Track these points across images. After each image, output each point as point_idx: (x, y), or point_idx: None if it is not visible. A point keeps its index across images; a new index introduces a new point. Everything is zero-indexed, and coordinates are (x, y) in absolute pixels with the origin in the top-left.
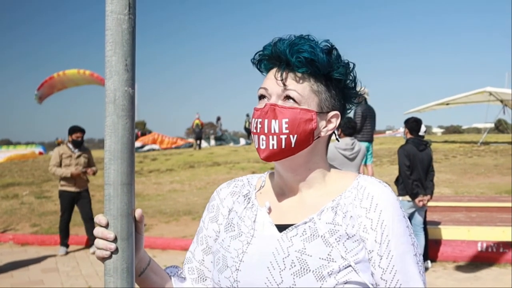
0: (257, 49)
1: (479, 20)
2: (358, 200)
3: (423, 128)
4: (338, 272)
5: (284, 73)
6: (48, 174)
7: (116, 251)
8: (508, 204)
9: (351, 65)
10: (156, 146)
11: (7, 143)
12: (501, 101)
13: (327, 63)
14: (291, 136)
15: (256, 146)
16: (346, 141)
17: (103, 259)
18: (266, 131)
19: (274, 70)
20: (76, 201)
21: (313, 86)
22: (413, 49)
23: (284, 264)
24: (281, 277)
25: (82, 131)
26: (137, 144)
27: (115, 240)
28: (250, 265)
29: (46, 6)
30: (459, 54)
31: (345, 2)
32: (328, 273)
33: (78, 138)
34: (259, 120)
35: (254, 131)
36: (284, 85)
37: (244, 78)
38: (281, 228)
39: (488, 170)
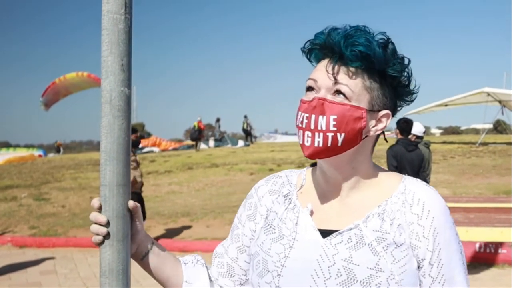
0: (254, 49)
1: (476, 20)
2: (408, 205)
3: (422, 129)
4: (386, 284)
5: (336, 66)
6: (47, 176)
7: (108, 235)
8: (507, 205)
9: (406, 61)
10: (155, 149)
11: (6, 145)
12: (499, 101)
13: (383, 59)
14: (338, 134)
15: (300, 142)
16: None
17: (98, 245)
18: (312, 127)
19: (325, 61)
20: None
21: (366, 82)
22: (410, 51)
23: (330, 273)
24: (326, 287)
25: (137, 131)
26: None
27: (107, 224)
28: (293, 271)
29: (44, 7)
30: (456, 54)
31: (340, 3)
32: (376, 284)
33: (135, 138)
34: (306, 114)
35: (300, 125)
36: (336, 79)
37: (243, 80)
38: (324, 233)
39: (486, 171)
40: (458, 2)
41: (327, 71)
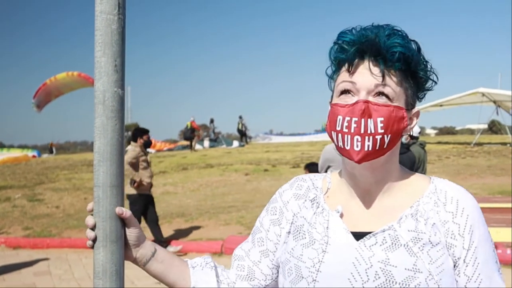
0: (249, 50)
1: (472, 21)
2: (442, 204)
3: (417, 129)
4: (425, 284)
5: (380, 68)
6: (41, 177)
7: (96, 239)
8: (502, 205)
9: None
10: (151, 150)
11: (0, 146)
12: (494, 102)
13: (417, 59)
14: (385, 136)
15: (348, 147)
16: None
17: (91, 248)
18: (362, 131)
19: (364, 62)
20: (147, 204)
21: (403, 82)
22: None
23: (367, 276)
24: None
25: (148, 131)
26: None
27: (94, 227)
28: (329, 276)
29: (37, 8)
30: (451, 55)
31: (329, 5)
32: (415, 285)
33: (148, 139)
34: (354, 118)
35: (346, 130)
36: (383, 80)
37: (237, 80)
38: (356, 235)
39: (481, 171)
40: (453, 2)
41: (371, 73)
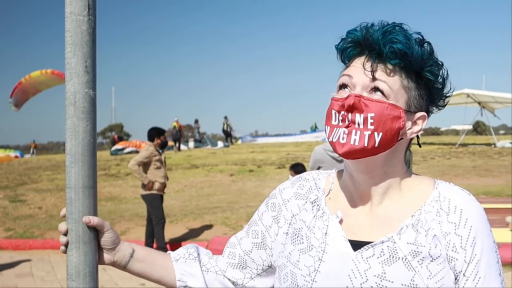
0: (234, 51)
1: (456, 21)
2: (444, 214)
3: None
4: None
5: (374, 63)
6: (23, 178)
7: (67, 245)
8: (486, 205)
9: (441, 63)
10: (138, 150)
11: None
12: (479, 103)
13: (421, 58)
14: (375, 133)
15: (335, 140)
16: None
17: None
18: (350, 124)
19: (361, 58)
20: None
21: (404, 81)
22: None
23: None
24: None
25: (164, 132)
26: (118, 147)
27: (66, 233)
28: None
29: (9, 7)
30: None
31: (315, 7)
32: None
33: (165, 139)
34: (342, 112)
35: (335, 123)
36: (374, 76)
37: (223, 81)
38: (354, 245)
39: (466, 172)
40: (436, 2)
41: (364, 68)
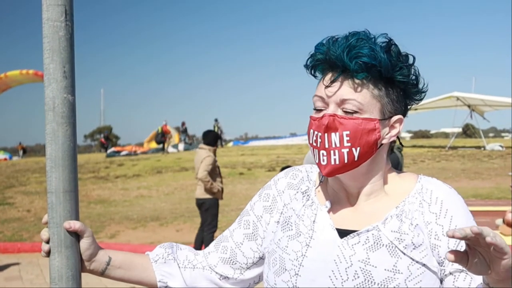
0: (223, 54)
1: (446, 24)
2: (426, 205)
3: None
4: (404, 285)
5: (339, 80)
6: (11, 180)
7: (49, 252)
8: (475, 208)
9: (411, 59)
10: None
11: None
12: (468, 106)
13: (390, 65)
14: (353, 149)
15: (316, 161)
16: None
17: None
18: (326, 145)
19: (329, 75)
20: None
21: (374, 91)
22: None
23: (347, 275)
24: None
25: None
26: (115, 150)
27: (48, 241)
28: (311, 272)
29: None
30: (426, 59)
31: (304, 12)
32: (394, 286)
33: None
34: (318, 133)
35: (314, 144)
36: (341, 94)
37: (212, 83)
38: (341, 233)
39: (455, 175)
40: (426, 5)
41: (337, 86)
